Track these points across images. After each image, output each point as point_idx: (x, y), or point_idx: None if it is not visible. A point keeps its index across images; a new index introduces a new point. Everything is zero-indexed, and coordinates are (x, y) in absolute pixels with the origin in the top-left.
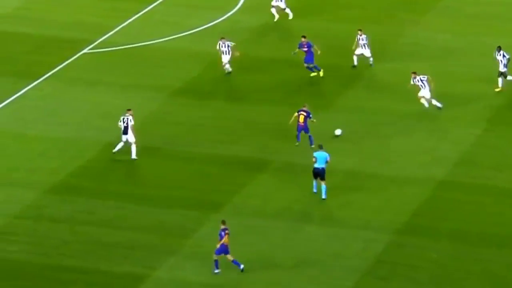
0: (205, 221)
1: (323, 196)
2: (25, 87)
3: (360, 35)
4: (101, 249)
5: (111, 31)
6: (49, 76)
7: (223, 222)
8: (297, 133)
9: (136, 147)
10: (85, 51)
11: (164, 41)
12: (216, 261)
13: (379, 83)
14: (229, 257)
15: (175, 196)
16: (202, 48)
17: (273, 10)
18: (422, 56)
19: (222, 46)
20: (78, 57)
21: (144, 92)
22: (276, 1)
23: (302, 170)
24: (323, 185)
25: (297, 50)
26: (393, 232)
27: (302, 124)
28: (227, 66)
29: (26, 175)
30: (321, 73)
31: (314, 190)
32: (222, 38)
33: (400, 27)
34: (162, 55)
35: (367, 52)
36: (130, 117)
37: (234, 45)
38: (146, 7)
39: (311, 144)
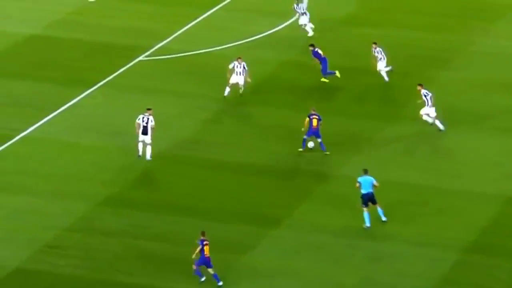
0: (263, 236)
1: (383, 219)
2: (79, 95)
3: (375, 48)
4: (155, 264)
5: (167, 37)
6: (103, 84)
7: (203, 233)
8: (304, 137)
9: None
10: (140, 58)
11: (223, 48)
12: (197, 270)
13: (447, 92)
14: (211, 270)
15: (231, 209)
16: (262, 56)
17: (307, 27)
18: (493, 65)
19: (237, 67)
20: (133, 64)
21: (199, 101)
22: (301, 19)
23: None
24: (378, 208)
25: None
26: (460, 250)
27: (316, 128)
28: (241, 86)
29: (78, 187)
30: (337, 74)
31: (367, 224)
32: (239, 58)
33: (470, 35)
34: (220, 63)
35: (381, 65)
36: (151, 117)
37: (247, 70)
38: (204, 13)
39: (323, 150)
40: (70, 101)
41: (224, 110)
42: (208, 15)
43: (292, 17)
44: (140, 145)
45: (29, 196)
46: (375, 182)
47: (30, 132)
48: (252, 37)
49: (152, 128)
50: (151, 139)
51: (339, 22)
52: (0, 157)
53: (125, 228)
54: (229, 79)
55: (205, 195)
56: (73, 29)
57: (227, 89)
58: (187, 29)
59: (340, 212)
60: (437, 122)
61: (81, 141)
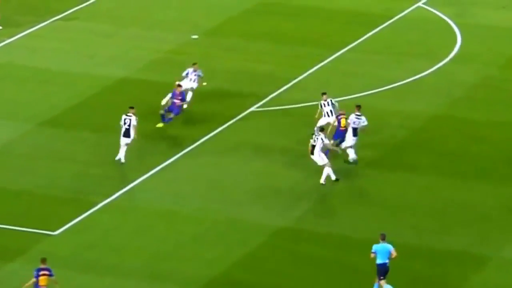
0: None
1: None
2: (178, 152)
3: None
4: None
5: (286, 84)
6: (207, 139)
7: (43, 261)
8: (333, 140)
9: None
10: (252, 108)
11: (353, 98)
12: None
13: None
14: None
15: None
16: (405, 107)
17: None
18: None
19: (324, 106)
20: (243, 116)
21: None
22: None
23: None
24: (386, 285)
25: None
26: None
27: (344, 129)
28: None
29: (177, 266)
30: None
31: None
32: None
33: None
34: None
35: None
36: (133, 117)
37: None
38: (331, 55)
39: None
40: (167, 160)
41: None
42: (336, 57)
43: (441, 60)
44: (123, 150)
45: (117, 277)
46: (392, 251)
47: (117, 197)
48: (391, 84)
49: (134, 128)
50: (133, 138)
51: None
52: (82, 228)
53: None
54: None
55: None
56: (172, 71)
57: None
58: (310, 74)
59: None
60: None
61: (180, 209)
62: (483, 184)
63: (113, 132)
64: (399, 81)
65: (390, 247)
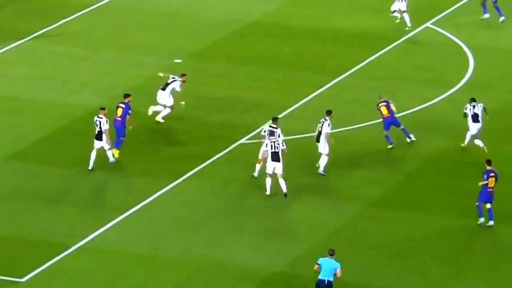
0: None
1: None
2: (160, 189)
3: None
4: None
5: (279, 113)
6: (192, 174)
7: None
8: (384, 132)
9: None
10: (242, 141)
11: (355, 128)
12: None
13: None
14: None
15: None
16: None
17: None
18: None
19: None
20: (232, 149)
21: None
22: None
23: None
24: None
25: None
26: None
27: (388, 116)
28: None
29: None
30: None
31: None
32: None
33: None
34: (351, 148)
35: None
36: (104, 119)
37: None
38: (330, 81)
39: (408, 137)
40: (147, 198)
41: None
42: (336, 83)
43: (452, 87)
44: (93, 155)
45: None
46: (338, 270)
47: (92, 240)
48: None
49: (106, 132)
50: (109, 143)
51: None
52: (52, 274)
53: None
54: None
55: None
56: (152, 100)
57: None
58: (307, 101)
59: None
60: None
61: (160, 252)
62: (502, 225)
63: (86, 166)
64: (406, 110)
65: (337, 264)
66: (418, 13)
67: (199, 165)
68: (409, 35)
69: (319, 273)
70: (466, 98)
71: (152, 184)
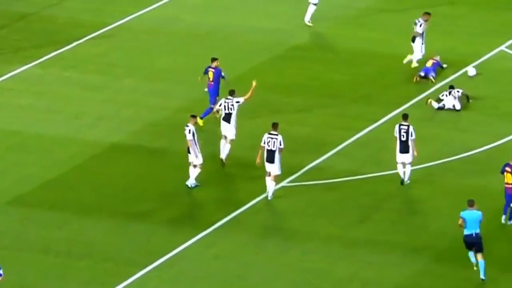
0: None
1: (482, 276)
2: (187, 240)
3: None
4: None
5: (329, 151)
6: (225, 222)
7: None
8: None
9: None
10: (284, 183)
11: (420, 168)
12: None
13: None
14: None
15: None
16: (487, 182)
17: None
18: None
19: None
20: (273, 192)
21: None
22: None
23: None
24: (481, 260)
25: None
26: None
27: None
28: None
29: None
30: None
31: (482, 277)
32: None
33: None
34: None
35: None
36: (193, 128)
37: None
38: (388, 113)
39: None
40: (172, 250)
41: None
42: (395, 116)
43: None
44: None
45: None
46: (481, 218)
47: None
48: (468, 151)
49: (196, 141)
50: (201, 158)
51: None
52: None
53: None
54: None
55: None
56: (179, 135)
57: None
58: (361, 137)
59: None
60: None
61: None
62: None
63: (100, 213)
64: (478, 148)
65: (479, 213)
66: (490, 33)
67: (234, 211)
68: (481, 60)
69: (464, 227)
70: None
71: (178, 234)
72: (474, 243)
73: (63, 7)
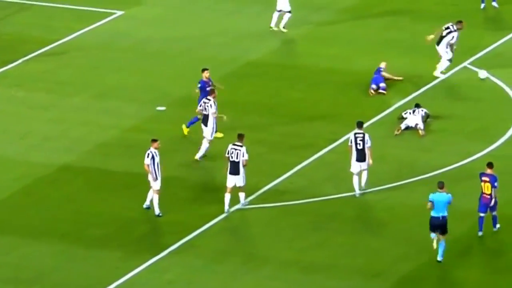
0: None
1: (439, 258)
2: (139, 265)
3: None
4: None
5: (285, 173)
6: (178, 247)
7: None
8: None
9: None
10: (238, 206)
11: (378, 190)
12: None
13: None
14: None
15: None
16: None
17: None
18: None
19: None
20: (227, 216)
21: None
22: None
23: None
24: (442, 241)
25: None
26: None
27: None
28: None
29: None
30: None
31: (439, 258)
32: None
33: None
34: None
35: None
36: (153, 152)
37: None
38: (347, 133)
39: None
40: (124, 275)
41: None
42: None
43: (495, 142)
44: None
45: None
46: (451, 200)
47: None
48: (431, 172)
49: (157, 167)
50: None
51: None
52: None
53: None
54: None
55: None
56: (131, 155)
57: None
58: (318, 158)
59: None
60: None
61: None
62: None
63: (49, 237)
64: (443, 168)
65: (448, 196)
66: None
67: (187, 236)
68: (444, 76)
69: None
70: None
71: (130, 260)
72: (439, 226)
73: (9, 22)
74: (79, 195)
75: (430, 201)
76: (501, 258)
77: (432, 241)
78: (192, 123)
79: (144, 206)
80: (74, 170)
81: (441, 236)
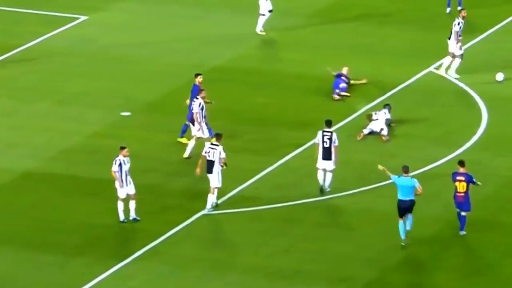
0: None
1: (407, 227)
2: (103, 272)
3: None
4: None
5: (249, 179)
6: (142, 254)
7: None
8: None
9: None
10: (205, 211)
11: (344, 195)
12: None
13: None
14: None
15: None
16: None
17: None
18: None
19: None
20: (192, 222)
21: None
22: None
23: None
24: (410, 216)
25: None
26: None
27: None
28: None
29: None
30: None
31: (402, 237)
32: None
33: None
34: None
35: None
36: (122, 159)
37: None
38: (311, 139)
39: None
40: (85, 284)
41: None
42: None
43: (461, 146)
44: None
45: None
46: (417, 185)
47: None
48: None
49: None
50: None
51: None
52: None
53: None
54: None
55: None
56: (95, 161)
57: None
58: (284, 163)
59: None
60: None
61: None
62: None
63: (11, 244)
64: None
65: (414, 180)
66: (418, 54)
67: (152, 242)
68: (409, 81)
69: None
70: (480, 159)
71: (94, 266)
72: (407, 208)
73: None
74: (43, 202)
75: (394, 184)
76: (469, 262)
77: (400, 238)
78: (184, 131)
79: (130, 218)
80: (38, 177)
81: (408, 215)
